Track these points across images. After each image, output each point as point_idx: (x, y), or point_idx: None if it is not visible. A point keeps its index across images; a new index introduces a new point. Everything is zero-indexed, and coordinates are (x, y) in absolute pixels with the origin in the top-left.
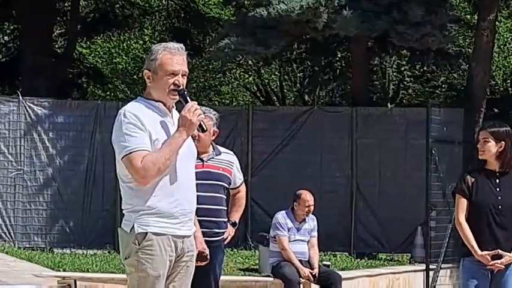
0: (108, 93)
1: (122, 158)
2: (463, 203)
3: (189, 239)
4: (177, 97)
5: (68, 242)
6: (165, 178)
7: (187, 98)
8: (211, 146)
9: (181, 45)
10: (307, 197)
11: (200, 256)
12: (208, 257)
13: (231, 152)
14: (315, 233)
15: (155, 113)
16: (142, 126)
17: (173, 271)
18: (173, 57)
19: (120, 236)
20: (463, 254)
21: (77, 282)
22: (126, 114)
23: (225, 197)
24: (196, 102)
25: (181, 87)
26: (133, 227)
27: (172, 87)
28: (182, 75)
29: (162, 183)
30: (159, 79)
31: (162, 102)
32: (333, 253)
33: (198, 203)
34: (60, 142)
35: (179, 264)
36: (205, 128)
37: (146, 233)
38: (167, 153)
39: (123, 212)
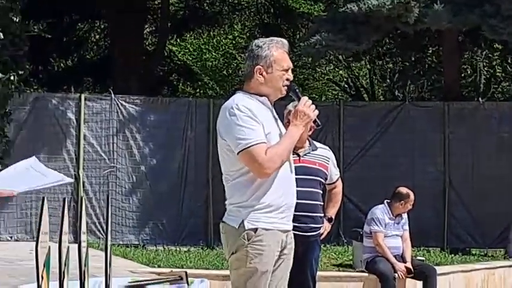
0: (198, 90)
1: (239, 151)
2: None
3: (290, 233)
4: (285, 92)
5: (161, 239)
6: (275, 172)
7: (299, 93)
8: (307, 141)
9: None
10: (413, 196)
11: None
12: None
13: (327, 148)
14: (407, 227)
15: (262, 107)
16: (256, 119)
17: (274, 264)
18: (286, 52)
19: (225, 231)
20: None
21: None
22: (239, 107)
23: (321, 192)
24: (307, 97)
25: (292, 82)
26: (242, 222)
27: (285, 82)
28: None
29: (272, 177)
30: (273, 74)
31: (266, 97)
32: (426, 248)
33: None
34: (152, 140)
35: (280, 257)
36: (319, 123)
37: (256, 229)
38: (288, 146)
39: (229, 207)
